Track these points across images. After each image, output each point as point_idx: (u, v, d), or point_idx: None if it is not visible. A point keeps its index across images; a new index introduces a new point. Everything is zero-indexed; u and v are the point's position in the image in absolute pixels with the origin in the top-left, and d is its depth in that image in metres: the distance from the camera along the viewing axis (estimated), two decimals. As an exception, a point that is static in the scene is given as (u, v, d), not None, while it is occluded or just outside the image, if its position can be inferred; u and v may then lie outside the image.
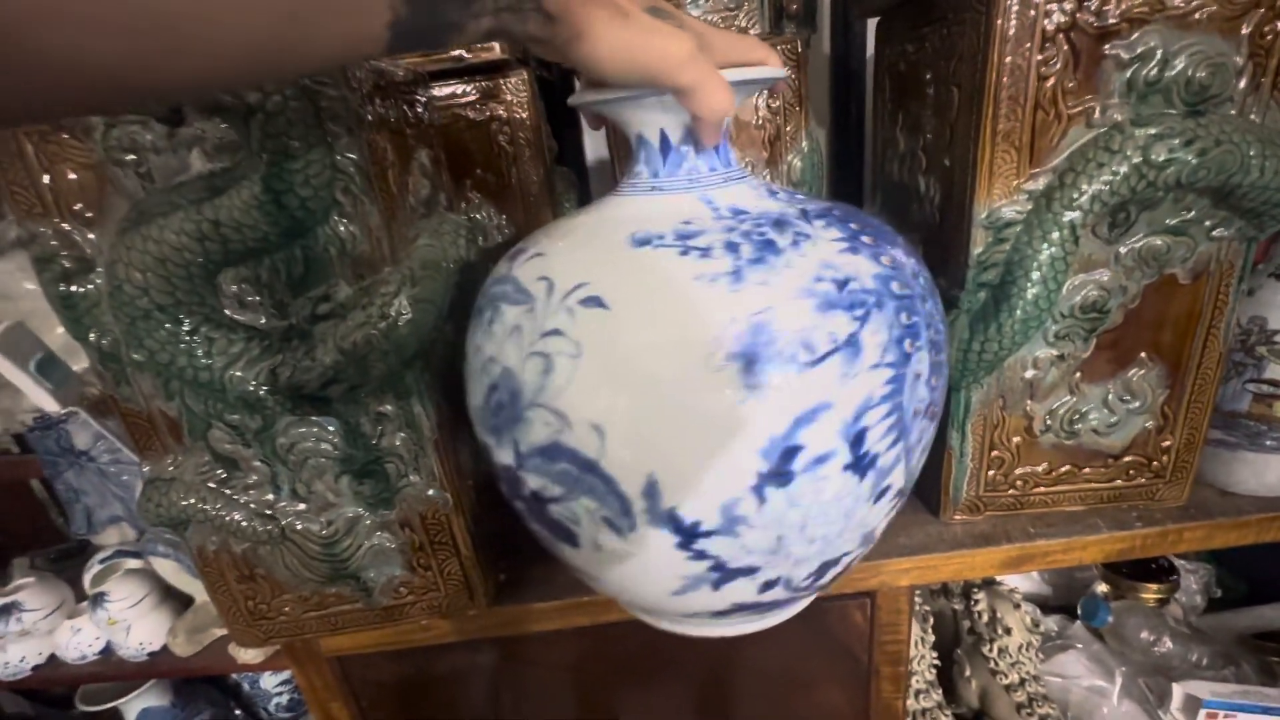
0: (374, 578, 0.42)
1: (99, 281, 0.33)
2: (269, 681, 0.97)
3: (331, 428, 0.37)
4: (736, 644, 0.49)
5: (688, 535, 0.26)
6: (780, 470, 0.25)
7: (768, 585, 0.29)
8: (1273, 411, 0.43)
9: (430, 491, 0.39)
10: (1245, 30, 0.34)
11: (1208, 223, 0.38)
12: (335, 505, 0.39)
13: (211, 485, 0.38)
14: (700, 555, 0.27)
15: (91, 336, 0.34)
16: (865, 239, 0.31)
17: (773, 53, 0.33)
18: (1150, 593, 0.74)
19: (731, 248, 0.26)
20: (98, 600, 0.77)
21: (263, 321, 0.34)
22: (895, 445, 0.28)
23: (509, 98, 0.54)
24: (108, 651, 0.80)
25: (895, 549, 0.46)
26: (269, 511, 0.38)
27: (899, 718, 0.52)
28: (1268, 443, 0.44)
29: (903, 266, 0.31)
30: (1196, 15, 0.34)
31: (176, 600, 0.81)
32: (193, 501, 0.38)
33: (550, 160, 0.59)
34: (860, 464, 0.26)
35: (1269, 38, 0.34)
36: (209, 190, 0.30)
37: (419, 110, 0.41)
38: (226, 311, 0.33)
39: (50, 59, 0.15)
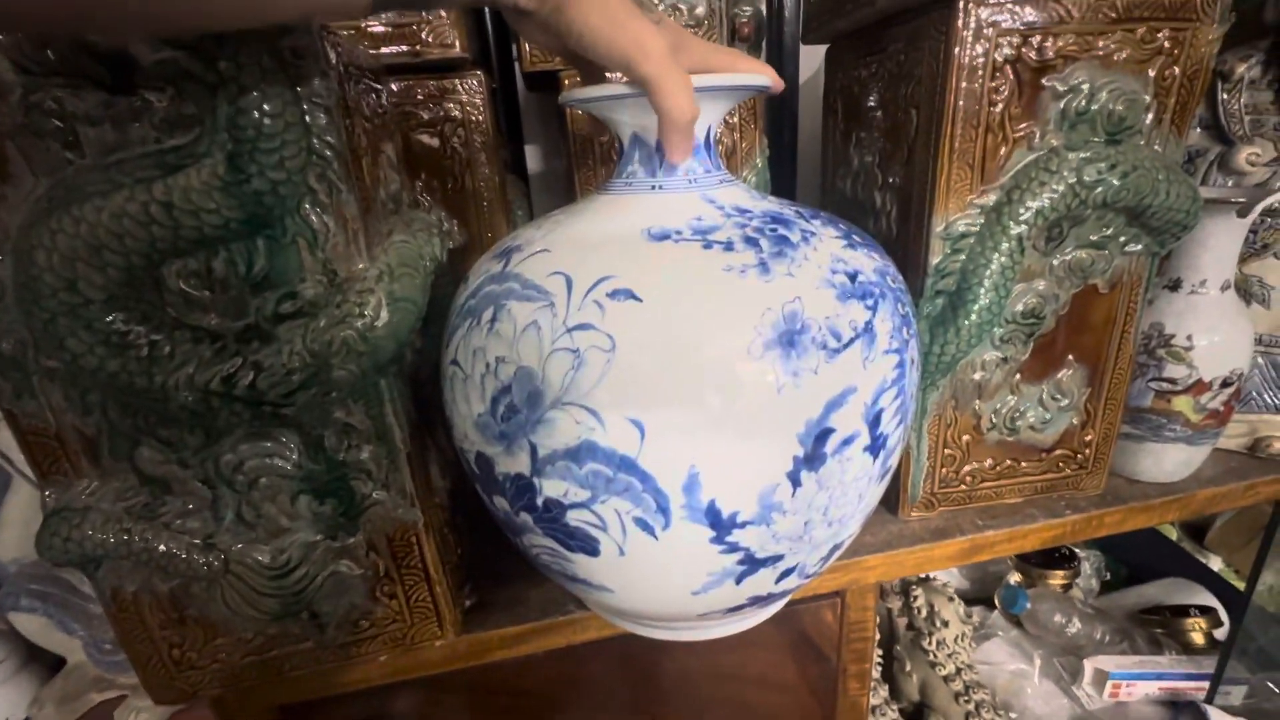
0: (329, 611, 0.37)
1: (2, 272, 0.27)
2: (154, 751, 0.84)
3: (290, 442, 0.33)
4: (712, 654, 0.48)
5: (725, 527, 0.25)
6: (814, 454, 0.25)
7: (785, 574, 0.29)
8: (1171, 406, 0.49)
9: (399, 510, 0.36)
10: (1151, 73, 0.39)
11: (1122, 239, 0.43)
12: (288, 530, 0.35)
13: (135, 513, 0.32)
14: (732, 548, 0.26)
15: (-11, 338, 0.28)
16: (856, 237, 0.32)
17: (762, 65, 0.33)
18: (1058, 579, 0.81)
19: (751, 242, 0.27)
20: (-65, 670, 0.64)
21: (213, 321, 0.30)
22: (900, 426, 0.29)
23: (464, 98, 0.52)
24: (-54, 733, 0.66)
25: (862, 547, 0.48)
26: (209, 540, 0.33)
27: (863, 714, 0.53)
28: (1166, 434, 0.50)
29: (888, 263, 0.33)
30: (1115, 56, 0.39)
31: (42, 663, 0.69)
32: (111, 535, 0.32)
33: (504, 166, 0.57)
34: (876, 445, 0.27)
35: (1168, 80, 0.40)
36: (160, 167, 0.26)
37: (382, 101, 0.39)
38: (170, 311, 0.29)
39: None
